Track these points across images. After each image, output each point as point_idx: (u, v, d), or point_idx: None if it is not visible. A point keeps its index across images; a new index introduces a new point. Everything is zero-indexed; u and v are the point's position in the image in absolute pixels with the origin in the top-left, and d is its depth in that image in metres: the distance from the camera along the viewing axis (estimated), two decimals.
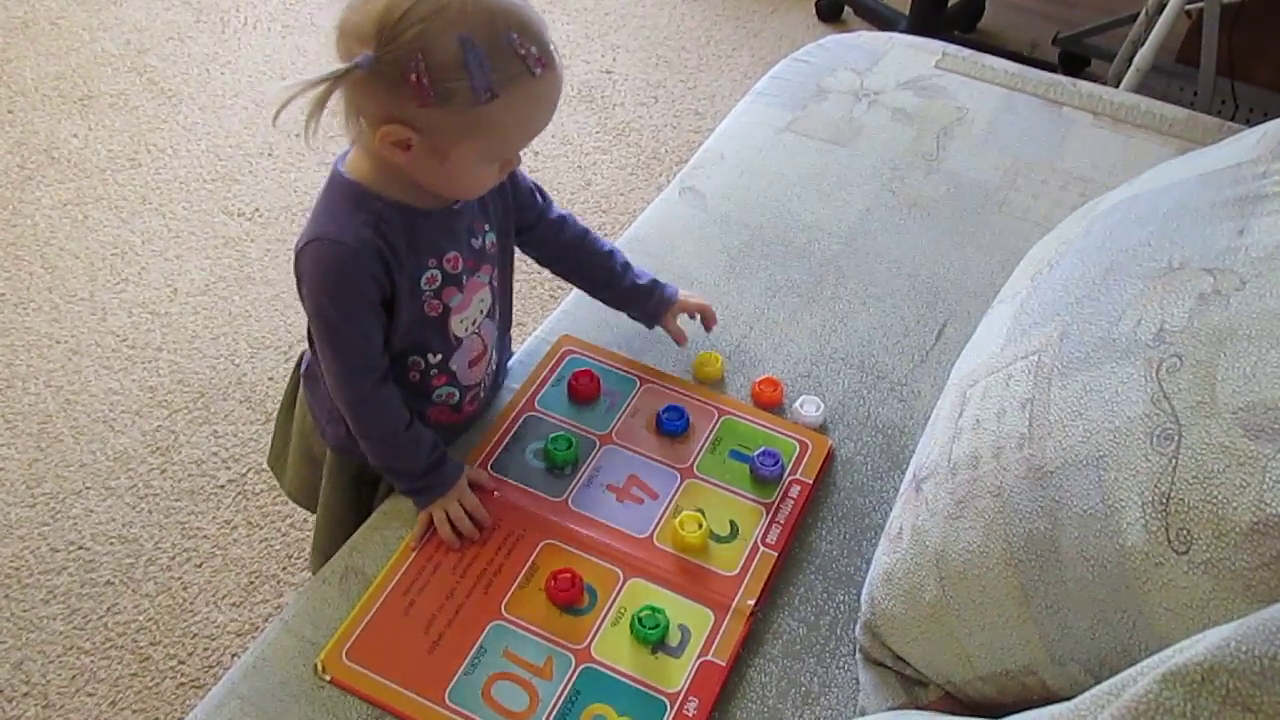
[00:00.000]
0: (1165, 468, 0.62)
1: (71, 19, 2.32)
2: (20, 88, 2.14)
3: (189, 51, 2.27)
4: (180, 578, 1.38)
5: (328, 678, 0.82)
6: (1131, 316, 0.72)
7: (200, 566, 1.39)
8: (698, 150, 1.40)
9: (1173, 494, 0.61)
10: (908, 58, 1.53)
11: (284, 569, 1.39)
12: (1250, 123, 1.38)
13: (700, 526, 0.92)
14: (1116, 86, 1.87)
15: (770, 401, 1.05)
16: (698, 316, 1.09)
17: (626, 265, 1.05)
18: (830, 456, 1.02)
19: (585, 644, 0.85)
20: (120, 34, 2.30)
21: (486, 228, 0.92)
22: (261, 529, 1.43)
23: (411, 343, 0.90)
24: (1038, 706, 0.60)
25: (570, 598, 0.87)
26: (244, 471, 1.50)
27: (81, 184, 1.94)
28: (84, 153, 2.01)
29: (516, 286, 1.04)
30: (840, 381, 1.09)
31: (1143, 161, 1.31)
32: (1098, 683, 0.55)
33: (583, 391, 1.03)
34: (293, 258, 0.85)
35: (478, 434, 1.00)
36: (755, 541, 0.93)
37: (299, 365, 1.02)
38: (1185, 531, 0.60)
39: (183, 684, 1.28)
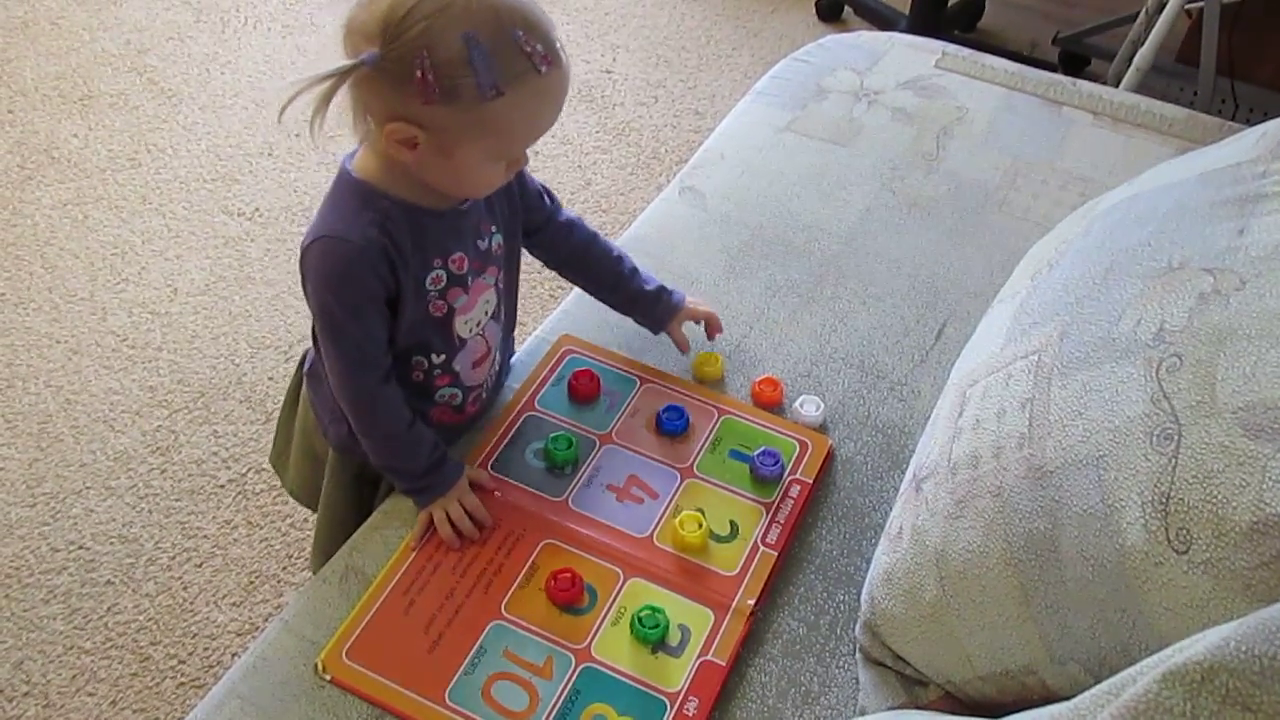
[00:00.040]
0: (1165, 467, 0.62)
1: (71, 19, 2.32)
2: (20, 88, 2.14)
3: (189, 51, 2.27)
4: (180, 577, 1.38)
5: (328, 677, 0.82)
6: (1131, 316, 0.72)
7: (200, 566, 1.39)
8: (698, 150, 1.40)
9: (1172, 493, 0.61)
10: (908, 57, 1.53)
11: (284, 569, 1.39)
12: (1250, 122, 1.38)
13: (700, 526, 0.92)
14: (1116, 86, 1.87)
15: (770, 401, 1.05)
16: (702, 322, 1.09)
17: (634, 270, 1.06)
18: (830, 456, 1.02)
19: (585, 644, 0.85)
20: (120, 34, 2.30)
21: (494, 229, 0.92)
22: (262, 529, 1.43)
23: (415, 342, 0.90)
24: (1038, 706, 0.60)
25: (570, 597, 0.87)
26: (244, 471, 1.50)
27: (81, 184, 1.94)
28: (84, 153, 2.01)
29: None
30: (840, 381, 1.09)
31: (1143, 161, 1.31)
32: (1098, 682, 0.55)
33: (583, 391, 1.03)
34: (298, 255, 0.85)
35: (478, 433, 1.01)
36: (755, 541, 0.93)
37: (302, 363, 1.03)
38: (1185, 531, 0.60)
39: (183, 684, 1.28)
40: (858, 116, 1.42)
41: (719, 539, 0.93)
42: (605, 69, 2.30)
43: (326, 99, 0.75)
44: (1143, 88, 1.85)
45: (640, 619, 0.85)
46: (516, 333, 1.07)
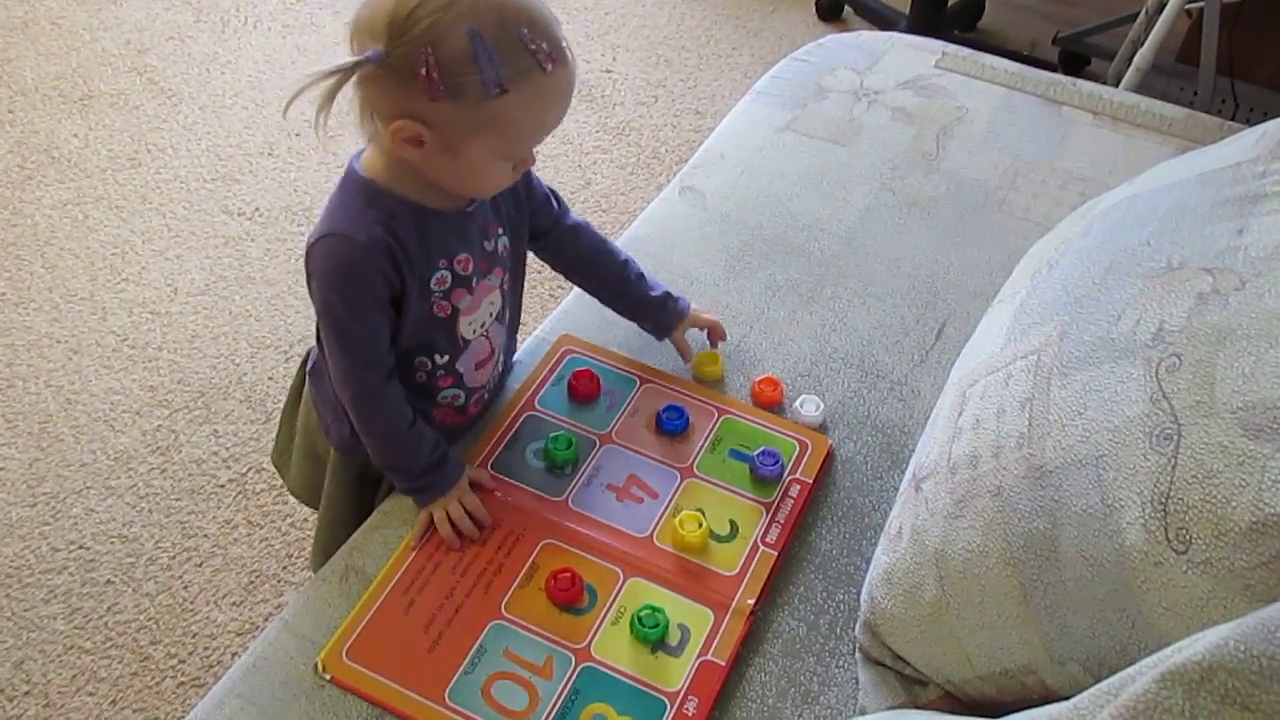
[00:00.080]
0: (1164, 467, 0.62)
1: (71, 19, 2.32)
2: (20, 88, 2.14)
3: (189, 51, 2.27)
4: (181, 577, 1.38)
5: (328, 677, 0.83)
6: (1131, 316, 0.72)
7: (201, 566, 1.39)
8: (698, 149, 1.40)
9: (1172, 493, 0.61)
10: (907, 57, 1.53)
11: (284, 568, 1.39)
12: (1250, 122, 1.38)
13: (700, 526, 0.92)
14: (1116, 86, 1.87)
15: (770, 401, 1.05)
16: (705, 330, 1.09)
17: (641, 276, 1.06)
18: (830, 456, 1.02)
19: (585, 643, 0.85)
20: (120, 34, 2.30)
21: (500, 231, 0.92)
22: (262, 528, 1.43)
23: (419, 343, 0.90)
24: (1037, 706, 0.60)
25: (570, 597, 0.87)
26: (244, 471, 1.50)
27: (82, 184, 1.94)
28: (84, 152, 2.01)
29: None
30: (840, 381, 1.09)
31: (1143, 161, 1.31)
32: (1097, 682, 0.55)
33: (583, 391, 1.03)
34: (303, 253, 0.85)
35: (478, 433, 1.01)
36: (755, 541, 0.93)
37: (305, 363, 1.03)
38: (1184, 531, 0.60)
39: (183, 683, 1.28)
40: (858, 116, 1.42)
41: (719, 539, 0.93)
42: (605, 68, 2.30)
43: (331, 95, 0.76)
44: (1143, 87, 1.85)
45: (640, 618, 0.85)
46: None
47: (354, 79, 0.77)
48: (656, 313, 1.06)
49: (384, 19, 0.73)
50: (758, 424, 1.03)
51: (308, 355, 1.02)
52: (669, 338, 1.08)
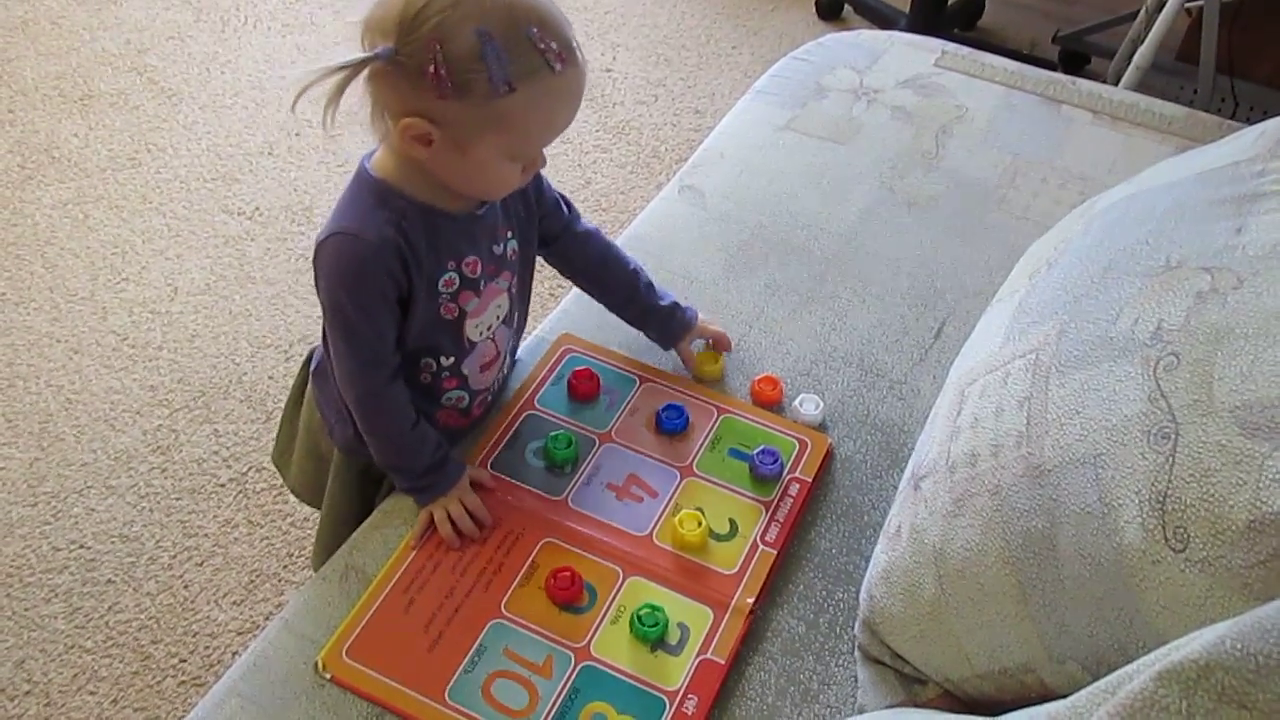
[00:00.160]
0: (1162, 466, 0.62)
1: (71, 18, 2.32)
2: (20, 87, 2.14)
3: (189, 51, 2.27)
4: (181, 576, 1.38)
5: (328, 676, 0.83)
6: (1129, 315, 0.72)
7: (201, 565, 1.39)
8: (697, 149, 1.40)
9: (1170, 492, 0.61)
10: (907, 56, 1.53)
11: (285, 567, 1.39)
12: (1250, 120, 1.38)
13: (700, 525, 0.92)
14: (1116, 84, 1.87)
15: (769, 400, 1.05)
16: (710, 340, 1.09)
17: (649, 285, 1.06)
18: (829, 455, 1.02)
19: (585, 642, 0.85)
20: (120, 33, 2.30)
21: (509, 234, 0.92)
22: (262, 527, 1.43)
23: (424, 344, 0.90)
24: (1036, 704, 0.60)
25: (570, 596, 0.87)
26: (245, 470, 1.50)
27: (82, 183, 1.95)
28: (84, 152, 2.01)
29: None
30: (839, 380, 1.09)
31: (1142, 160, 1.31)
32: (1096, 680, 0.55)
33: (582, 390, 1.03)
34: (311, 251, 0.85)
35: (478, 433, 1.01)
36: (754, 540, 0.93)
37: (308, 362, 1.03)
38: (1182, 529, 0.60)
39: (184, 682, 1.28)
40: (857, 115, 1.42)
41: (718, 537, 0.93)
42: (605, 68, 2.30)
43: (339, 91, 0.76)
44: (1143, 86, 1.85)
45: (640, 617, 0.85)
46: None
47: (365, 77, 0.77)
48: (664, 322, 1.06)
49: (394, 16, 0.74)
50: (757, 423, 1.03)
51: (310, 355, 1.02)
52: (675, 348, 1.08)
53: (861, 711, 0.83)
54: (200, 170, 1.99)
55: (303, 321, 1.72)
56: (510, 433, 1.00)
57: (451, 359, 0.92)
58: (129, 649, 1.31)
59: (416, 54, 0.73)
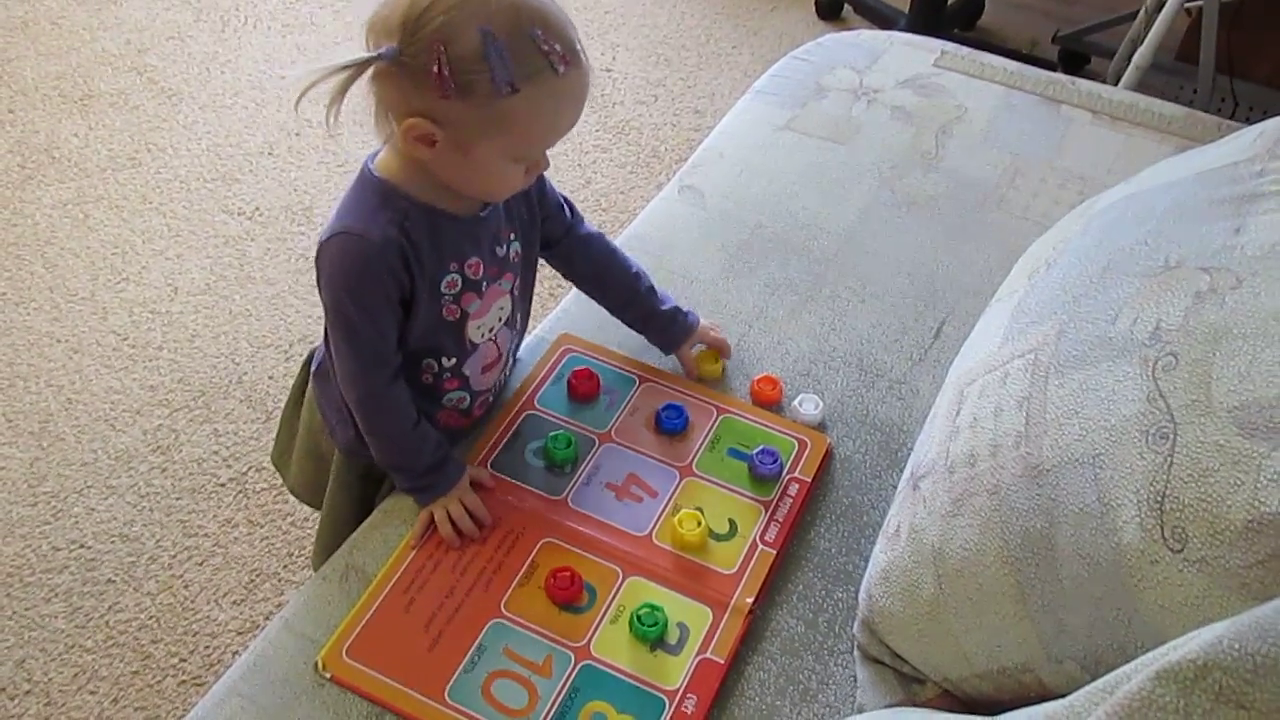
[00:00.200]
0: (1160, 466, 0.62)
1: (71, 18, 2.32)
2: (20, 87, 2.14)
3: (189, 51, 2.27)
4: (181, 576, 1.38)
5: (328, 675, 0.83)
6: (1128, 315, 0.72)
7: (201, 565, 1.39)
8: (697, 148, 1.40)
9: (1168, 492, 0.61)
10: (907, 56, 1.54)
11: (285, 567, 1.39)
12: (1250, 120, 1.38)
13: (699, 525, 0.92)
14: (1116, 84, 1.87)
15: (769, 400, 1.05)
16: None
17: (651, 289, 1.06)
18: (829, 454, 1.02)
19: (584, 642, 0.85)
20: (120, 33, 2.30)
21: (512, 236, 0.92)
22: (262, 527, 1.44)
23: (426, 345, 0.90)
24: (1034, 704, 0.60)
25: (570, 596, 0.87)
26: (245, 470, 1.50)
27: (82, 183, 1.95)
28: (84, 152, 2.01)
29: None
30: (839, 380, 1.09)
31: (1141, 160, 1.31)
32: (1094, 680, 0.55)
33: (582, 390, 1.03)
34: (314, 251, 0.85)
35: (477, 432, 1.01)
36: (754, 539, 0.93)
37: (308, 363, 1.03)
38: (1180, 529, 0.60)
39: (184, 682, 1.28)
40: (857, 115, 1.42)
41: (718, 537, 0.93)
42: (605, 67, 2.30)
43: (342, 90, 0.76)
44: (1142, 86, 1.85)
45: (639, 617, 0.86)
46: None
47: (369, 77, 0.77)
48: (664, 327, 1.06)
49: (399, 16, 0.74)
50: (757, 423, 1.03)
51: (310, 356, 1.02)
52: (675, 353, 1.07)
53: (860, 711, 0.83)
54: (200, 170, 1.99)
55: (303, 321, 1.72)
56: (510, 432, 1.00)
57: (453, 360, 0.92)
58: (129, 648, 1.31)
59: (420, 54, 0.74)
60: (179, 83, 2.18)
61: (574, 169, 2.04)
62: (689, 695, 0.83)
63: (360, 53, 0.76)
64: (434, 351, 0.91)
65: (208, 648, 1.31)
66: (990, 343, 0.86)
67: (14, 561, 1.38)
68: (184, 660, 1.30)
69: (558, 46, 0.75)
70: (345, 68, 0.75)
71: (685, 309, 1.07)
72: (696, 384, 1.07)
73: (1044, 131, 1.40)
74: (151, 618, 1.34)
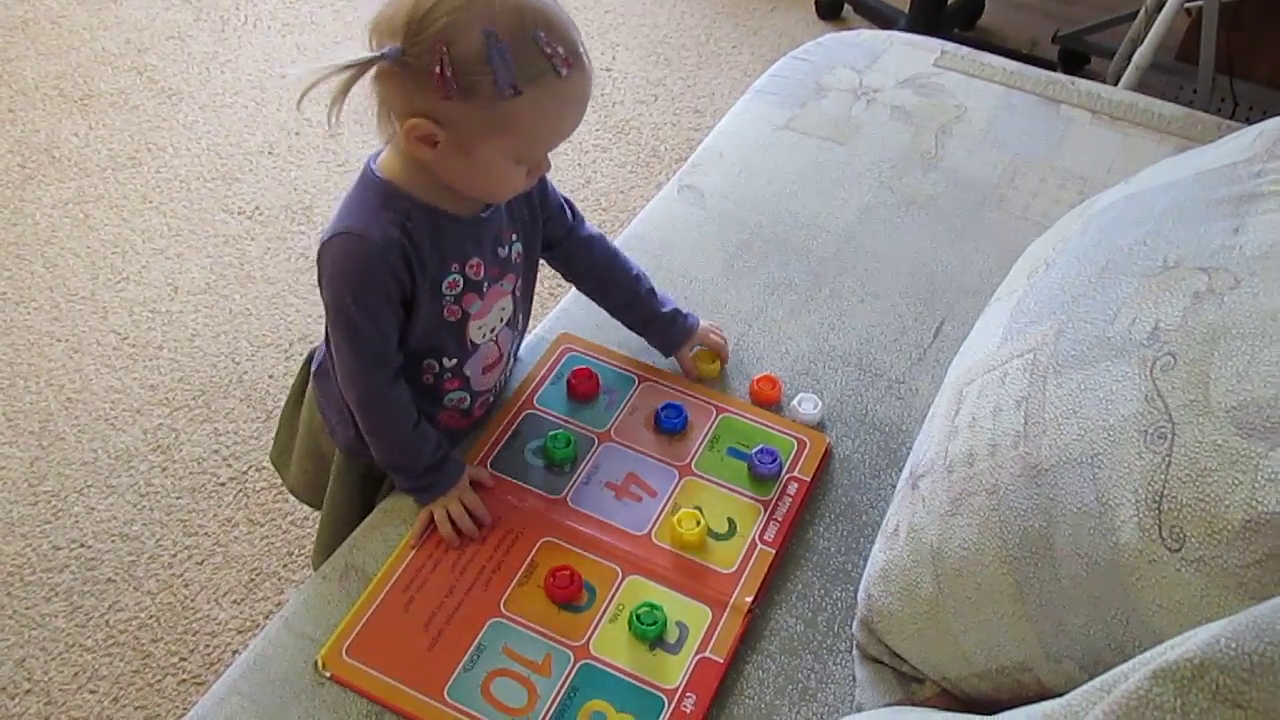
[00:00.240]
0: (1159, 466, 0.62)
1: (71, 18, 2.33)
2: (20, 87, 2.14)
3: (189, 50, 2.27)
4: (181, 575, 1.38)
5: (328, 674, 0.83)
6: (1127, 315, 0.72)
7: (201, 564, 1.40)
8: (697, 148, 1.40)
9: (1166, 492, 0.61)
10: (907, 56, 1.54)
11: (285, 566, 1.40)
12: (1250, 120, 1.38)
13: (698, 524, 0.92)
14: (1116, 84, 1.87)
15: (768, 399, 1.05)
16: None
17: (651, 292, 1.06)
18: (828, 454, 1.02)
19: (584, 641, 0.86)
20: (120, 33, 2.30)
21: (514, 237, 0.93)
22: (262, 526, 1.44)
23: (427, 345, 0.90)
24: (1033, 703, 0.60)
25: (569, 595, 0.87)
26: (245, 469, 1.50)
27: (82, 183, 1.95)
28: (84, 152, 2.01)
29: None
30: (838, 379, 1.09)
31: (1141, 159, 1.31)
32: (1092, 679, 0.55)
33: (582, 389, 1.03)
34: (315, 250, 0.85)
35: (477, 432, 1.01)
36: (753, 539, 0.93)
37: (309, 362, 1.03)
38: (1178, 529, 0.60)
39: (184, 681, 1.28)
40: (857, 115, 1.43)
41: (717, 537, 0.93)
42: (605, 67, 2.30)
43: (345, 90, 0.76)
44: (1142, 86, 1.85)
45: (638, 616, 0.86)
46: None
47: (372, 77, 0.77)
48: (664, 329, 1.06)
49: (402, 17, 0.74)
50: (756, 422, 1.03)
51: (311, 355, 1.02)
52: (675, 355, 1.08)
53: (859, 710, 0.83)
54: (200, 170, 1.99)
55: (303, 321, 1.72)
56: (509, 432, 1.01)
57: (454, 360, 0.92)
58: (129, 648, 1.31)
59: (423, 55, 0.74)
60: (179, 82, 2.19)
61: (574, 169, 2.04)
62: (688, 694, 0.83)
63: (363, 52, 0.76)
64: (435, 352, 0.91)
65: (208, 647, 1.31)
66: (989, 342, 0.86)
67: (14, 560, 1.38)
68: (184, 659, 1.30)
69: (560, 49, 0.75)
70: (348, 67, 0.75)
71: (685, 311, 1.07)
72: (696, 383, 1.07)
73: (1044, 131, 1.40)
74: (151, 617, 1.34)
